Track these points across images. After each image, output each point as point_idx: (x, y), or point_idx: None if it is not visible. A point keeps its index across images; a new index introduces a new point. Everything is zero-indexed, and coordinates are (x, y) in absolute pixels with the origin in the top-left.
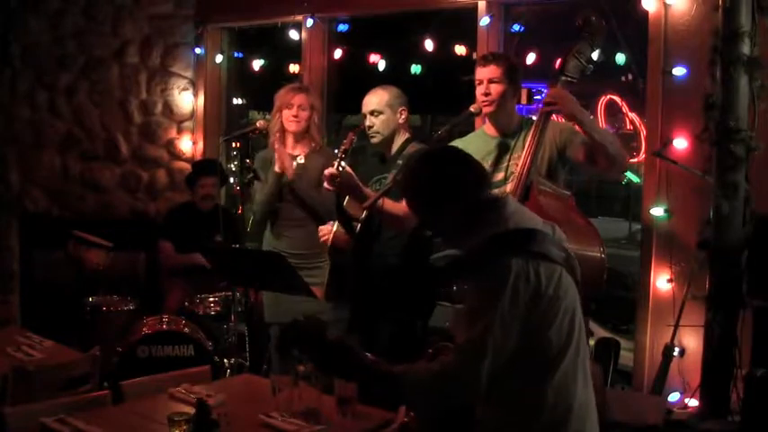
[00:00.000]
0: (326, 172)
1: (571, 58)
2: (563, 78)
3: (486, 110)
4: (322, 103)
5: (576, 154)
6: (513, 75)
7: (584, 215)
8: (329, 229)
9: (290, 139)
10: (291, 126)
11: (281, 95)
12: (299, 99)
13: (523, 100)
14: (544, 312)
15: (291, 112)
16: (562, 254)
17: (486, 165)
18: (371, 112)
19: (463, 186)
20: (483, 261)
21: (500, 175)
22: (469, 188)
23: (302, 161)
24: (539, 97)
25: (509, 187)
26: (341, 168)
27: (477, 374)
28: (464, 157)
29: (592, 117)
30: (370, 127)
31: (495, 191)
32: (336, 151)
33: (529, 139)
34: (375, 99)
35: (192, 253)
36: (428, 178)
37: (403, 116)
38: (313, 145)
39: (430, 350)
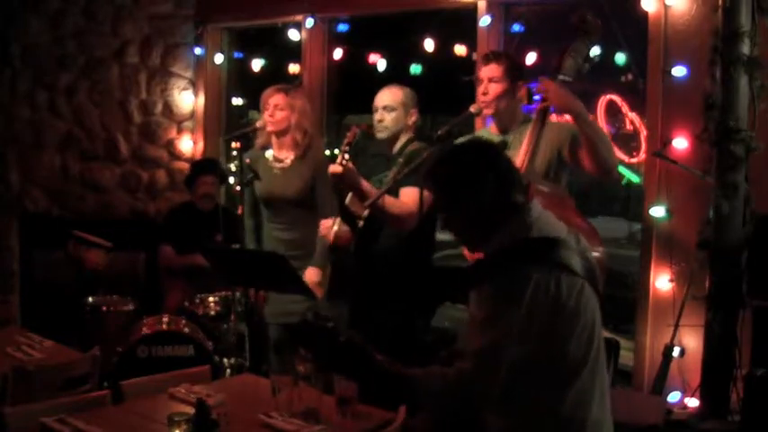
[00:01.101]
0: (330, 168)
1: (567, 58)
2: (559, 78)
3: (485, 111)
4: (321, 103)
5: (567, 154)
6: (515, 74)
7: (582, 216)
8: (330, 224)
9: (273, 140)
10: (267, 126)
11: (263, 96)
12: (275, 99)
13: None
14: (562, 325)
15: (268, 112)
16: (585, 263)
17: None
18: (384, 107)
19: (489, 183)
20: (504, 268)
21: None
22: (496, 187)
23: (287, 165)
24: (538, 97)
25: None
26: (344, 162)
27: (492, 383)
28: (495, 155)
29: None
30: (380, 121)
31: None
32: (337, 151)
33: (526, 137)
34: (390, 95)
35: (192, 254)
36: (448, 173)
37: (413, 118)
38: (297, 149)
39: (443, 353)
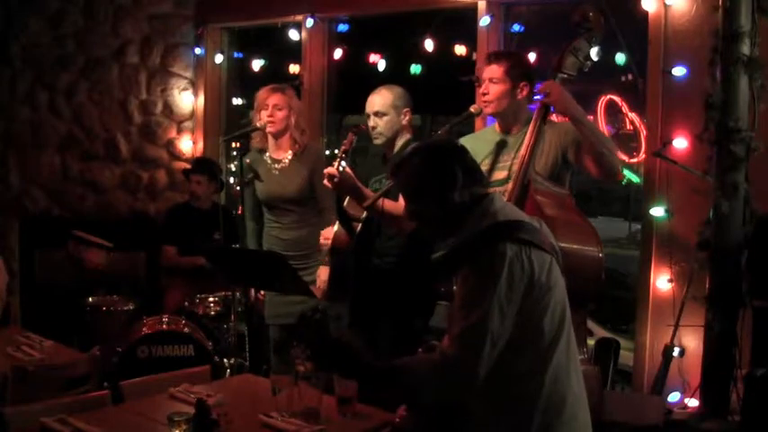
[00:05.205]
0: (326, 171)
1: (568, 55)
2: (560, 76)
3: (485, 111)
4: (321, 103)
5: (573, 157)
6: (516, 74)
7: (582, 214)
8: (330, 236)
9: (270, 141)
10: (268, 127)
11: (258, 96)
12: (273, 99)
13: None
14: (537, 300)
15: (267, 112)
16: (550, 244)
17: (487, 162)
18: (375, 113)
19: (453, 179)
20: (477, 249)
21: (502, 174)
22: (459, 182)
23: (285, 165)
24: (539, 97)
25: (511, 186)
26: (341, 169)
27: (477, 361)
28: (456, 151)
29: (591, 118)
30: (374, 128)
31: (499, 189)
32: (337, 152)
33: (527, 136)
34: (379, 100)
35: (194, 256)
36: (418, 169)
37: (406, 117)
38: (296, 147)
39: (420, 349)
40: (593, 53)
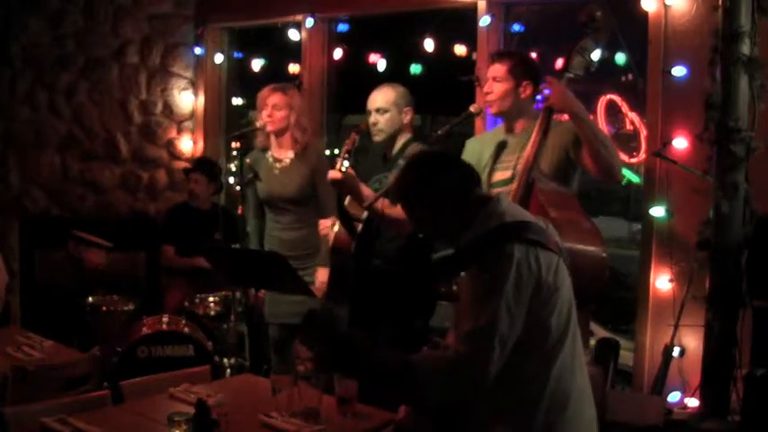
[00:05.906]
0: (330, 175)
1: (575, 55)
2: (567, 75)
3: (490, 111)
4: (321, 103)
5: (573, 154)
6: (520, 73)
7: (586, 214)
8: (329, 224)
9: (272, 140)
10: (267, 126)
11: (259, 95)
12: (273, 99)
13: None
14: (545, 301)
15: (266, 112)
16: (556, 245)
17: (489, 162)
18: (377, 110)
19: (449, 189)
20: (484, 250)
21: (506, 174)
22: (457, 190)
23: (286, 164)
24: (539, 97)
25: (515, 185)
26: (343, 169)
27: (487, 361)
28: (448, 160)
29: (591, 118)
30: (375, 124)
31: (503, 189)
32: (337, 152)
33: (533, 136)
34: (382, 97)
35: (193, 256)
36: (415, 184)
37: (408, 116)
38: (297, 146)
39: (426, 347)
40: (599, 52)
